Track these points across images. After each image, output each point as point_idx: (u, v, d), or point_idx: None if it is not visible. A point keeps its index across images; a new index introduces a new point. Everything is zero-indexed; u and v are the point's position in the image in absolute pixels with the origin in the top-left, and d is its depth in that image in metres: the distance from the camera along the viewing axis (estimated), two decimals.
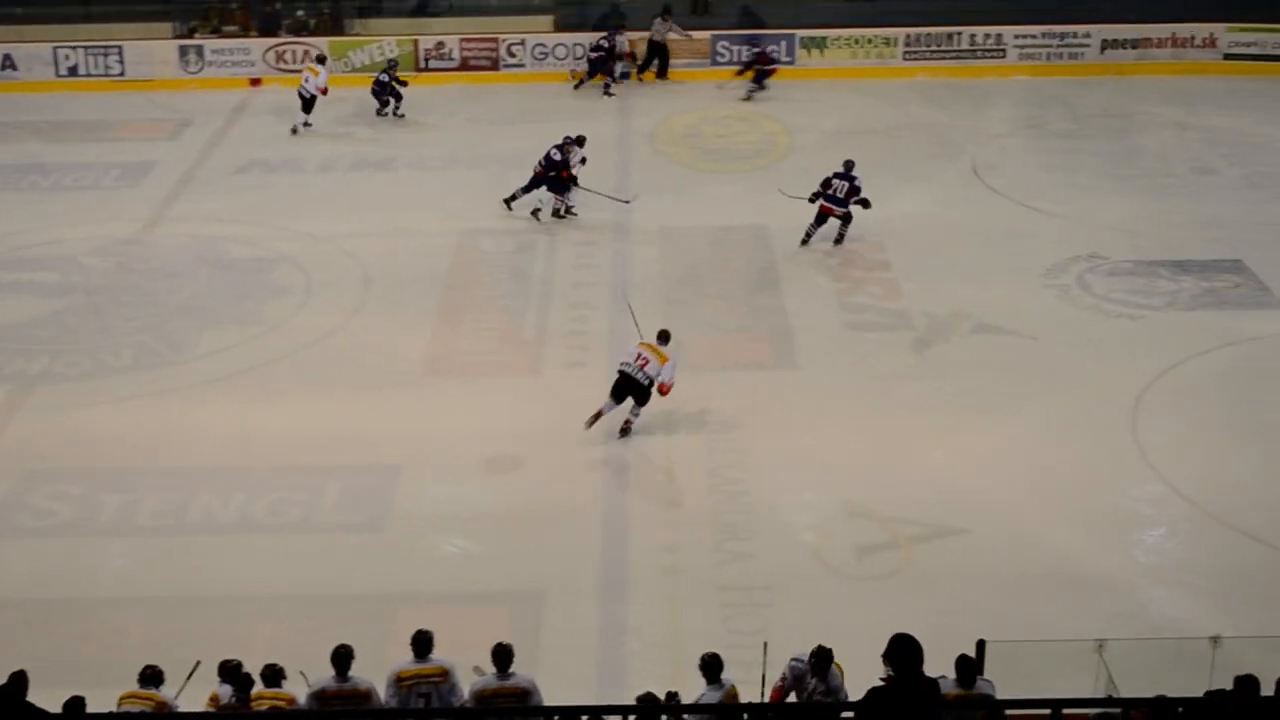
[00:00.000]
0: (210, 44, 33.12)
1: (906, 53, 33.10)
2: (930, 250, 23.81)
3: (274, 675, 12.06)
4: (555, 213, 24.76)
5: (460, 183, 27.02)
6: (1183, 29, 33.33)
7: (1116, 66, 33.15)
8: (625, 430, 18.06)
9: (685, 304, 21.99)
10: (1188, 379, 19.66)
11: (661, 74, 33.06)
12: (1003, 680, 10.75)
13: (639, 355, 17.97)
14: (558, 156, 24.53)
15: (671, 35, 32.76)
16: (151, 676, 12.01)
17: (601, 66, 32.14)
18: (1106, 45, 33.32)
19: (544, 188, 24.64)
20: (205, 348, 20.72)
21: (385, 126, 30.07)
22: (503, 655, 11.84)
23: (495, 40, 32.94)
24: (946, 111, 30.81)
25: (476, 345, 20.86)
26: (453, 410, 19.04)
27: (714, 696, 11.65)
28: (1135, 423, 18.49)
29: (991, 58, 33.22)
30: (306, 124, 29.34)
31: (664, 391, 17.88)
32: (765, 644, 11.99)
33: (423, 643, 11.95)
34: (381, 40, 32.76)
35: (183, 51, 32.89)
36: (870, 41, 33.08)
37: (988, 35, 33.26)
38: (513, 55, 32.93)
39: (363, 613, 14.76)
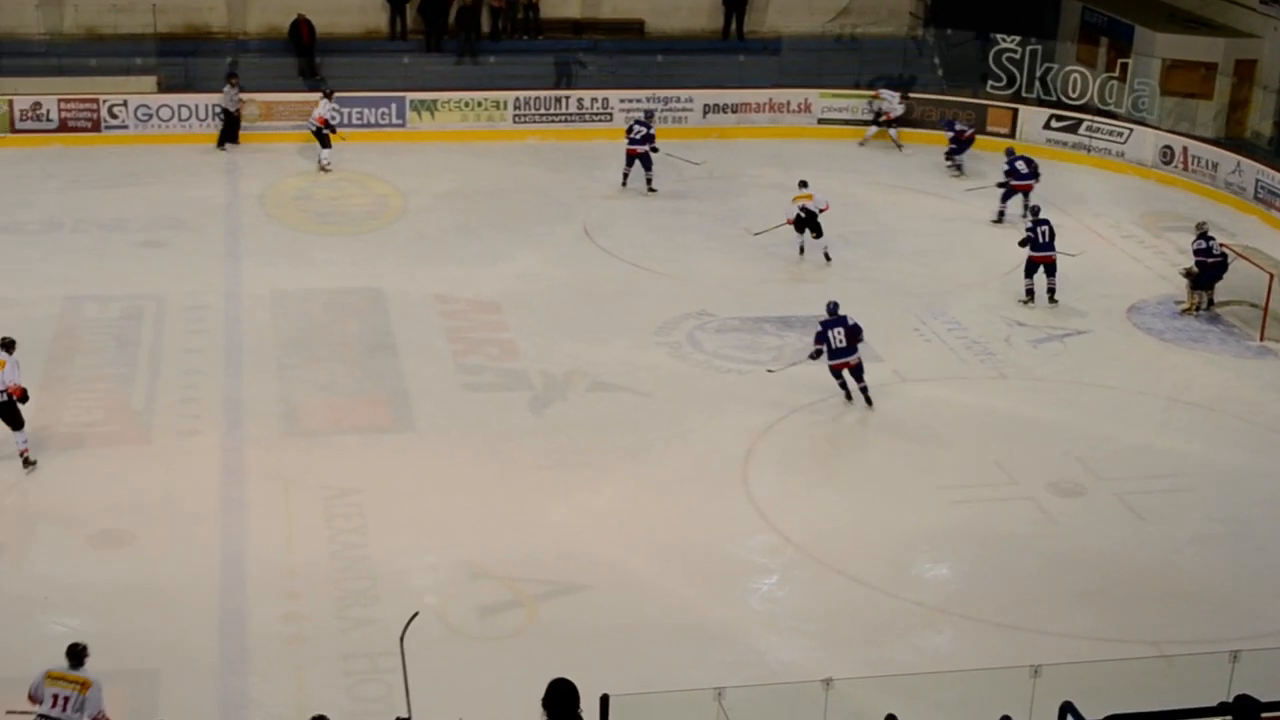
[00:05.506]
0: None
1: (516, 115, 33.50)
2: (545, 310, 24.12)
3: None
4: None
5: (62, 248, 26.05)
6: (779, 94, 34.81)
7: (719, 130, 34.34)
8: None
9: (299, 368, 21.69)
10: (793, 431, 20.41)
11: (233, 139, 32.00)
12: None
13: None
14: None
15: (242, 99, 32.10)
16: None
17: None
18: (708, 109, 34.49)
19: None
20: None
21: None
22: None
23: (96, 101, 31.85)
24: (557, 173, 31.27)
25: (83, 416, 20.05)
26: (59, 483, 18.29)
27: None
28: (746, 475, 19.11)
29: (599, 121, 33.96)
30: None
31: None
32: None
33: (76, 654, 12.93)
34: None
35: None
36: (480, 104, 33.39)
37: (594, 99, 33.99)
38: (115, 116, 31.87)
39: None
